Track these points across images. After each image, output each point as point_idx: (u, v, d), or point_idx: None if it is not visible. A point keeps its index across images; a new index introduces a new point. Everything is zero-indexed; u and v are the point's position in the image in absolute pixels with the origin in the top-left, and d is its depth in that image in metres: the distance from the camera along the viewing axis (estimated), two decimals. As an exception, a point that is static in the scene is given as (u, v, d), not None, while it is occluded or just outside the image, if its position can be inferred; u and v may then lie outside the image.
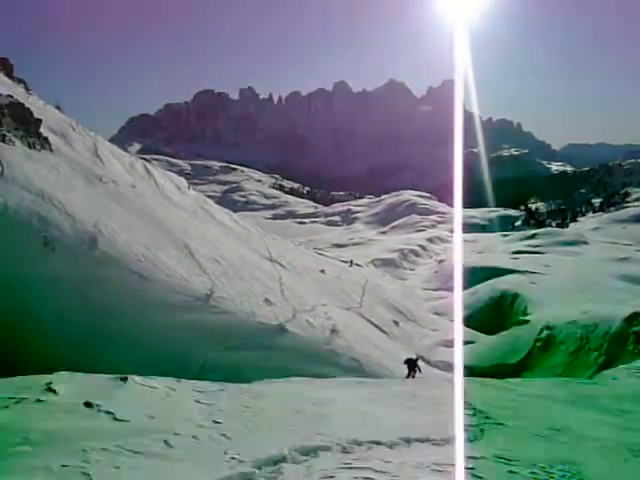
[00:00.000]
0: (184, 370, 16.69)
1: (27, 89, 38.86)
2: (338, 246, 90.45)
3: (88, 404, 6.34)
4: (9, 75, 38.21)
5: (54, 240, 22.29)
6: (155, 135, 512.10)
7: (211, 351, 19.99)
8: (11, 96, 32.04)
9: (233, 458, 5.27)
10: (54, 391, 6.76)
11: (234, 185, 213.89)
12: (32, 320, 18.68)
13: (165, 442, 5.49)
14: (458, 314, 35.44)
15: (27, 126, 30.40)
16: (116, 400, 6.73)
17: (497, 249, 78.21)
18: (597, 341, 31.74)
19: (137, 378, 7.94)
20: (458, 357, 16.53)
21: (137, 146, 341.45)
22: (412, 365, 18.23)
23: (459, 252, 51.81)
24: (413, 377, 17.88)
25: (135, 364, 14.73)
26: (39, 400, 6.39)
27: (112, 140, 68.91)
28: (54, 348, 17.26)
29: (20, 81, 39.09)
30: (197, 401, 7.46)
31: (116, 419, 6.02)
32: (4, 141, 27.94)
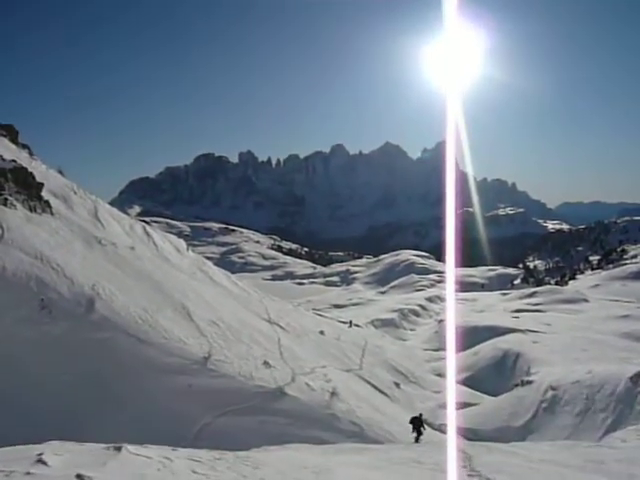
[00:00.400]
0: (181, 436, 16.19)
1: (31, 154, 39.66)
2: (337, 307, 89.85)
3: (79, 476, 6.09)
4: (14, 141, 39.08)
5: (51, 303, 22.13)
6: (155, 198, 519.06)
7: (208, 416, 19.48)
8: (15, 161, 32.66)
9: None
10: (45, 463, 6.51)
11: (233, 246, 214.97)
12: (26, 385, 18.29)
13: (159, 516, 5.26)
14: (451, 377, 34.76)
15: (29, 190, 30.83)
16: (109, 472, 6.48)
17: (497, 308, 77.75)
18: (603, 402, 30.99)
19: (131, 447, 7.68)
20: (451, 425, 16.08)
21: (137, 209, 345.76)
22: (418, 424, 17.80)
23: (452, 310, 51.46)
24: (420, 435, 17.34)
25: (130, 430, 14.33)
26: (29, 473, 6.15)
27: (112, 203, 69.61)
28: (46, 415, 16.81)
29: (24, 146, 39.96)
30: (194, 471, 7.20)
31: (108, 492, 5.78)
32: (6, 205, 28.26)
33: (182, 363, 22.11)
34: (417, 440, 16.90)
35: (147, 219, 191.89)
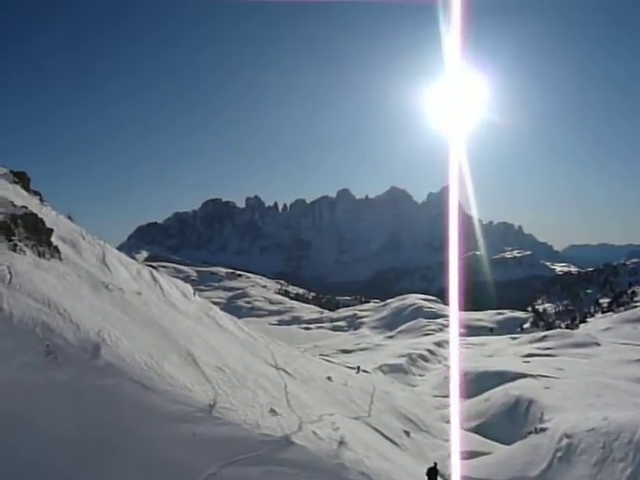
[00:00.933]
0: (184, 488, 15.73)
1: (42, 200, 40.20)
2: (345, 352, 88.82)
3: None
4: (26, 188, 39.68)
5: (57, 349, 21.97)
6: (163, 243, 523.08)
7: (213, 466, 18.97)
8: (26, 207, 33.08)
9: None
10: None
11: (240, 291, 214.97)
12: (30, 433, 17.98)
13: None
14: (455, 424, 33.88)
15: (39, 235, 31.09)
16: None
17: (507, 352, 76.57)
18: (622, 450, 30.05)
19: (134, 498, 7.47)
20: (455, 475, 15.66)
21: (145, 253, 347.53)
22: (433, 475, 17.36)
23: (455, 354, 50.68)
24: None
25: (134, 478, 13.97)
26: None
27: (121, 248, 70.11)
28: (50, 464, 16.45)
29: (36, 193, 40.55)
30: (197, 524, 6.96)
31: None
32: (15, 250, 28.45)
33: (187, 411, 21.73)
34: None
35: (154, 264, 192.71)
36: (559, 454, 32.24)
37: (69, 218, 40.75)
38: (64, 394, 20.21)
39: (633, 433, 30.64)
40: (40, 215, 33.61)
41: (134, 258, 57.96)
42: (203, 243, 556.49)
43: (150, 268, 44.31)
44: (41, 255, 30.06)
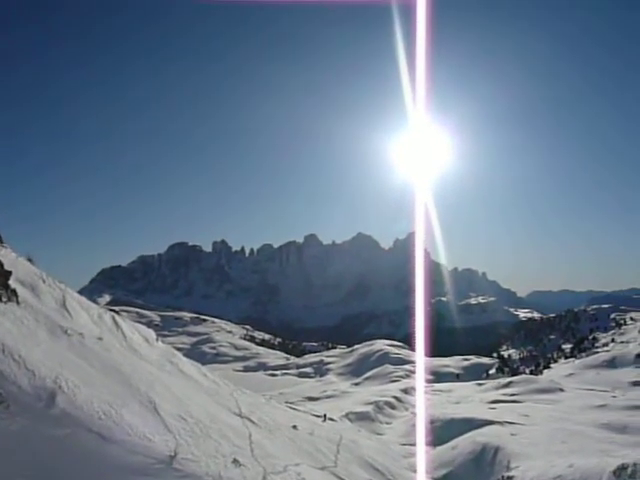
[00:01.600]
0: None
1: (0, 242, 39.16)
2: (311, 399, 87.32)
3: None
4: (-17, 230, 38.67)
5: (10, 397, 20.97)
6: (127, 286, 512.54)
7: (172, 522, 18.11)
8: (-17, 249, 32.17)
9: None
10: None
11: (204, 336, 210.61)
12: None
13: None
14: (421, 473, 33.45)
15: (-5, 279, 30.16)
16: None
17: (474, 399, 76.49)
18: (587, 498, 30.02)
19: None
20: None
21: (107, 297, 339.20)
22: None
23: (421, 400, 50.43)
24: None
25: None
26: None
27: (82, 291, 67.96)
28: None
29: (-6, 235, 39.49)
30: None
31: None
32: (-31, 294, 27.47)
33: (146, 462, 20.80)
34: None
35: (117, 308, 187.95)
36: (527, 503, 31.97)
37: (29, 260, 39.55)
38: (16, 445, 19.20)
39: (598, 480, 30.68)
40: (-1, 257, 32.68)
41: (96, 302, 56.48)
42: (168, 287, 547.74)
43: (112, 312, 43.15)
44: (-2, 298, 29.05)
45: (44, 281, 36.28)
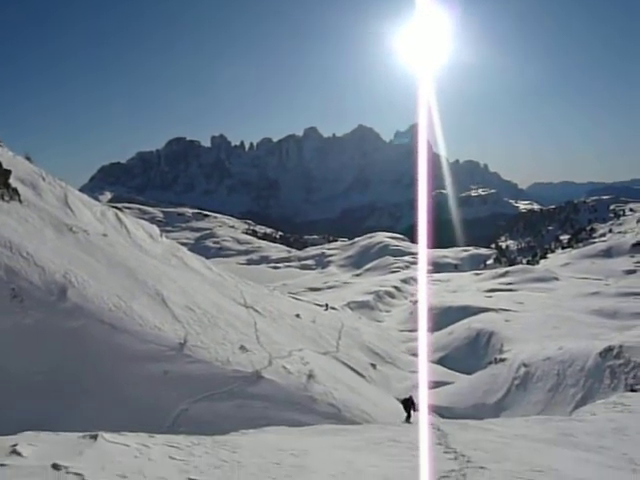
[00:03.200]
0: (157, 423, 16.14)
1: (-4, 141, 38.45)
2: (313, 290, 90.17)
3: (56, 466, 6.03)
4: (-23, 127, 37.87)
5: (22, 292, 21.69)
6: (127, 183, 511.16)
7: (185, 403, 19.43)
8: (-21, 148, 31.72)
9: (209, 517, 5.04)
10: (19, 453, 6.42)
11: (207, 232, 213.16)
12: (-3, 377, 17.96)
13: (137, 503, 5.24)
14: (423, 356, 35.30)
15: (-5, 177, 29.96)
16: (85, 460, 6.42)
17: (471, 288, 79.03)
18: (574, 377, 31.91)
19: (107, 435, 7.62)
20: (423, 404, 16.50)
21: (108, 195, 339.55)
22: (408, 405, 17.75)
23: (424, 289, 52.12)
24: (410, 416, 17.32)
25: (106, 420, 14.21)
26: (3, 464, 6.06)
27: (83, 189, 68.08)
28: (19, 406, 16.56)
29: (-11, 133, 38.67)
30: (171, 457, 7.18)
31: (85, 480, 5.71)
32: (-30, 193, 27.47)
33: (158, 350, 21.96)
34: (407, 421, 16.90)
35: (119, 205, 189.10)
36: (516, 382, 34.03)
37: (27, 159, 39.19)
38: (31, 337, 20.15)
39: (585, 361, 32.46)
40: (-5, 155, 32.31)
41: (97, 199, 56.68)
42: (168, 183, 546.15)
43: (115, 209, 43.47)
44: (0, 198, 29.09)
45: (44, 179, 36.12)
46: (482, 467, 9.00)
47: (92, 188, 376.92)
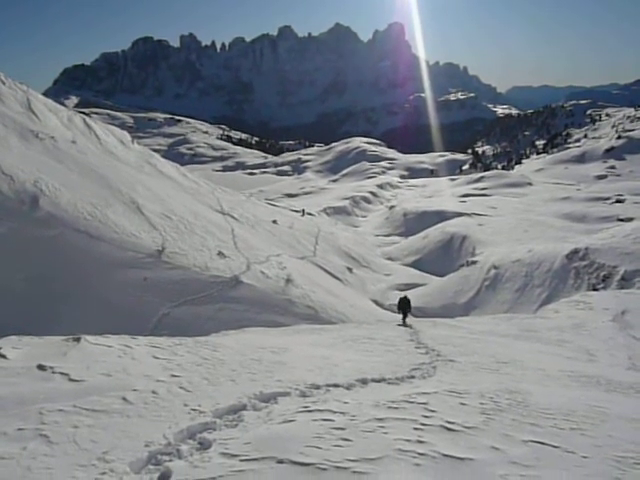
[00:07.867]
0: (140, 328, 16.59)
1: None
2: (289, 196, 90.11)
3: (41, 366, 6.22)
4: None
5: (-8, 201, 21.25)
6: (93, 87, 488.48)
7: (166, 307, 19.89)
8: None
9: (194, 410, 5.32)
10: (4, 356, 6.58)
11: (180, 137, 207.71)
12: (-25, 285, 17.99)
13: (123, 399, 5.48)
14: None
15: (-49, 80, 28.34)
16: (70, 361, 6.63)
17: (446, 193, 79.76)
18: (541, 278, 33.31)
19: (90, 338, 7.83)
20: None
21: (74, 99, 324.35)
22: (403, 306, 17.14)
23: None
24: (406, 317, 17.19)
25: (88, 324, 14.52)
26: (-12, 366, 6.22)
27: (46, 94, 64.74)
28: (1, 311, 16.75)
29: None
30: (154, 357, 7.45)
31: (71, 380, 5.93)
32: None
33: (136, 257, 22.11)
34: (403, 320, 17.03)
35: (86, 110, 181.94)
36: (486, 283, 35.42)
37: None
38: (7, 246, 20.00)
39: (552, 263, 33.76)
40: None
41: (63, 104, 54.32)
42: (137, 87, 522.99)
43: (82, 115, 41.90)
44: (-42, 101, 27.70)
45: (4, 83, 34.27)
46: (451, 360, 9.57)
47: (56, 92, 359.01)
